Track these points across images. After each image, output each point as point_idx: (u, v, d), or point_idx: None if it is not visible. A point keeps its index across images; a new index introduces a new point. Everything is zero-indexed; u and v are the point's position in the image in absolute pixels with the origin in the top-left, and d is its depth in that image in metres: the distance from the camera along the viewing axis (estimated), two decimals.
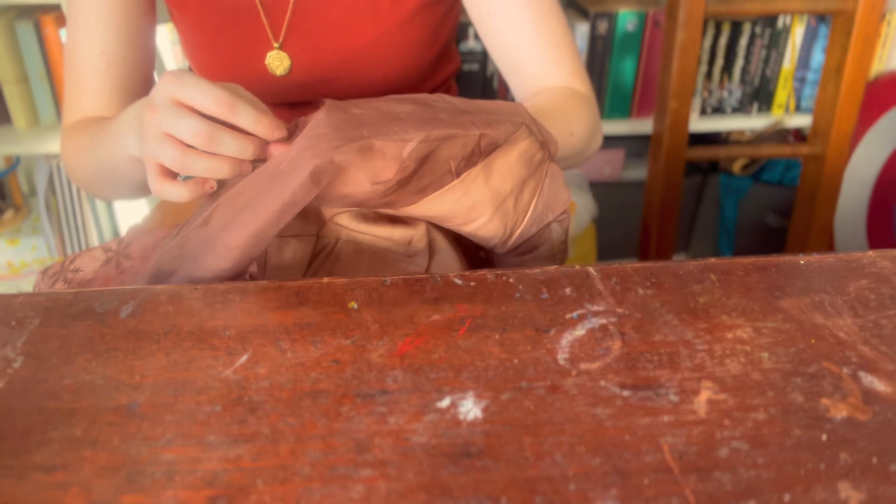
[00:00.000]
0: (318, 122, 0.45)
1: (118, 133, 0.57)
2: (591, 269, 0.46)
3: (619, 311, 0.42)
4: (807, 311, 0.43)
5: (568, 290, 0.44)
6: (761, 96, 1.55)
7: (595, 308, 0.43)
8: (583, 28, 1.45)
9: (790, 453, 0.33)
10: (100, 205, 1.51)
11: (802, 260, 0.48)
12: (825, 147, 1.40)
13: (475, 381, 0.37)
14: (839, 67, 1.35)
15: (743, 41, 1.49)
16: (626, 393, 0.37)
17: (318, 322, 0.42)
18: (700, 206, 1.70)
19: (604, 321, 0.42)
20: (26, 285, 1.51)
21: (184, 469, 0.33)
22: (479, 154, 0.48)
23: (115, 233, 1.54)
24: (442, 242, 0.53)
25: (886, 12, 1.49)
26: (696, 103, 1.54)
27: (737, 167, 1.64)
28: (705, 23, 1.44)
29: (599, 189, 1.58)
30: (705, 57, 1.50)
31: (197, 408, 0.36)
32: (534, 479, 0.32)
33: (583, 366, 0.38)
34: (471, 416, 0.35)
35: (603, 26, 1.44)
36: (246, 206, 0.45)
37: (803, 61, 1.52)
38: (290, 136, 0.48)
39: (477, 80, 1.48)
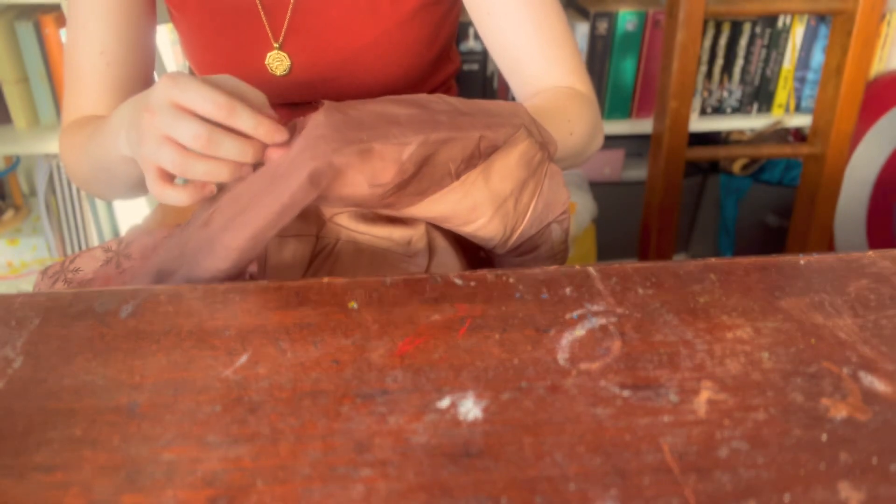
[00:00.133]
0: (316, 123, 0.45)
1: (111, 132, 0.57)
2: (591, 269, 0.46)
3: (619, 311, 0.42)
4: (807, 311, 0.43)
5: (568, 290, 0.44)
6: (761, 96, 1.55)
7: (595, 308, 0.43)
8: (583, 28, 1.45)
9: (790, 453, 0.33)
10: (100, 205, 1.51)
11: (802, 260, 0.48)
12: (825, 147, 1.40)
13: (475, 381, 0.37)
14: (839, 67, 1.35)
15: (743, 41, 1.49)
16: (626, 393, 0.37)
17: (318, 322, 0.42)
18: (700, 206, 1.70)
19: (604, 321, 0.42)
20: (26, 285, 1.51)
21: (184, 469, 0.33)
22: (478, 156, 0.48)
23: (115, 233, 1.54)
24: (442, 242, 0.53)
25: (886, 12, 1.49)
26: (696, 103, 1.54)
27: (737, 167, 1.64)
28: (705, 23, 1.44)
29: (599, 189, 1.58)
30: (705, 57, 1.50)
31: (197, 408, 0.36)
32: (534, 479, 0.32)
33: (583, 366, 0.38)
34: (471, 416, 0.35)
35: (603, 26, 1.44)
36: (245, 208, 0.45)
37: (803, 61, 1.52)
38: (289, 138, 0.47)
39: (477, 80, 1.48)
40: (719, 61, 1.51)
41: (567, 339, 0.40)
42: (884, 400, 0.36)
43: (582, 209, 1.43)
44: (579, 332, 0.41)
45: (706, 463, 0.33)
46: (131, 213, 1.51)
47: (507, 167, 0.49)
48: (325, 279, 0.45)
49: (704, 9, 1.28)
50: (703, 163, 1.69)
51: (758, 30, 1.48)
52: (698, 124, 1.54)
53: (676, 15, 1.29)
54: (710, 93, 1.54)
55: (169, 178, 0.49)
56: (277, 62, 0.69)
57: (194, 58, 0.72)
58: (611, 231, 1.63)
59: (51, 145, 1.40)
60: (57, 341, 0.41)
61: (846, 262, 0.48)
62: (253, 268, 0.52)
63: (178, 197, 0.48)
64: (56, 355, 0.40)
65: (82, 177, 0.68)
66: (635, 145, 1.66)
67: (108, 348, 0.40)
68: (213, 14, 0.68)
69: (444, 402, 0.36)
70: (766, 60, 1.51)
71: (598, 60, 1.47)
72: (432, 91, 0.78)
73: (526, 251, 0.54)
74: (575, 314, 0.42)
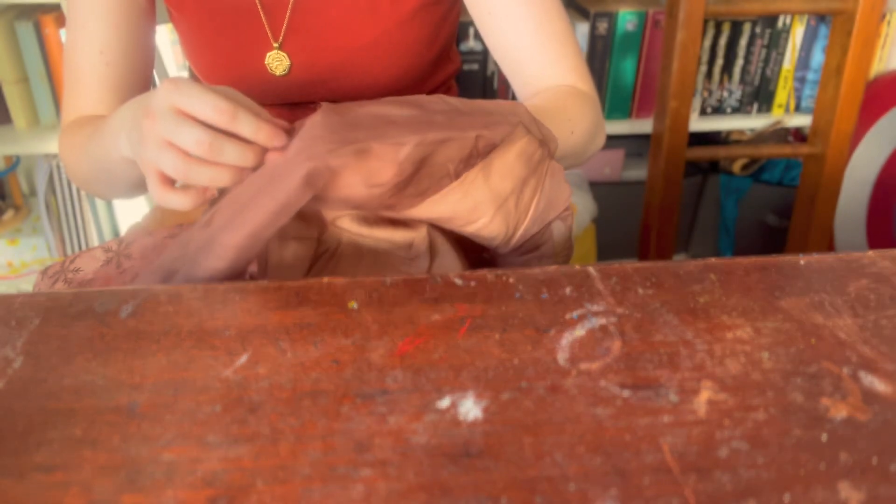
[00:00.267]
0: (313, 124, 0.45)
1: (111, 133, 0.57)
2: (591, 269, 0.46)
3: (619, 311, 0.42)
4: (807, 311, 0.43)
5: (568, 290, 0.44)
6: (761, 96, 1.55)
7: (595, 308, 0.43)
8: (583, 28, 1.45)
9: (790, 453, 0.33)
10: (100, 205, 1.51)
11: (802, 260, 0.48)
12: (825, 147, 1.40)
13: (475, 381, 0.37)
14: (839, 67, 1.35)
15: (743, 41, 1.49)
16: (626, 393, 0.37)
17: (318, 322, 0.42)
18: (700, 206, 1.70)
19: (604, 321, 0.42)
20: (26, 285, 1.51)
21: (184, 469, 0.33)
22: (476, 155, 0.48)
23: (115, 233, 1.54)
24: (443, 244, 0.53)
25: (886, 12, 1.49)
26: (696, 103, 1.54)
27: (737, 167, 1.64)
28: (705, 23, 1.44)
29: (599, 189, 1.58)
30: (705, 57, 1.50)
31: (197, 408, 0.36)
32: (534, 479, 0.32)
33: (583, 366, 0.38)
34: (471, 416, 0.35)
35: (603, 26, 1.44)
36: (243, 207, 0.45)
37: (803, 61, 1.52)
38: (288, 142, 0.48)
39: (477, 80, 1.48)
40: (719, 61, 1.51)
41: (567, 339, 0.40)
42: (884, 400, 0.36)
43: (582, 209, 1.44)
44: (579, 332, 0.41)
45: (706, 463, 0.33)
46: (131, 213, 1.51)
47: (506, 165, 0.49)
48: (325, 279, 0.45)
49: (704, 9, 1.28)
50: (703, 163, 1.69)
51: (758, 30, 1.48)
52: (698, 124, 1.54)
53: (676, 15, 1.29)
54: (710, 93, 1.54)
55: (170, 182, 0.49)
56: (277, 62, 0.69)
57: (194, 58, 0.72)
58: (611, 231, 1.63)
59: (51, 145, 1.40)
60: (57, 341, 0.41)
61: (846, 262, 0.48)
62: (253, 268, 0.52)
63: (179, 201, 0.48)
64: (56, 355, 0.40)
65: (82, 176, 0.68)
66: (635, 145, 1.66)
67: (108, 348, 0.40)
68: (212, 14, 0.68)
69: (444, 402, 0.36)
70: (766, 60, 1.51)
71: (598, 60, 1.47)
72: (432, 91, 0.78)
73: (529, 250, 0.54)
74: (575, 314, 0.42)
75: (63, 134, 0.69)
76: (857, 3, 1.29)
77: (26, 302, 0.44)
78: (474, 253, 0.57)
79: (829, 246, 1.53)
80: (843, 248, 1.59)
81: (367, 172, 0.44)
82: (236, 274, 0.47)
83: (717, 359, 0.39)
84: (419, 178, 0.46)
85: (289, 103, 0.74)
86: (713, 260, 0.47)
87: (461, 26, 1.42)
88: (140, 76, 0.71)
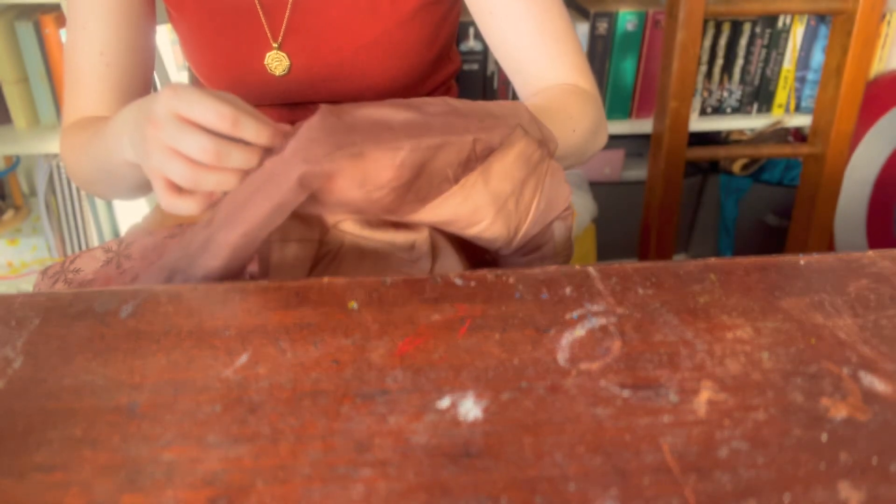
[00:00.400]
0: (311, 126, 0.45)
1: (113, 135, 0.57)
2: (591, 269, 0.46)
3: (619, 311, 0.42)
4: (807, 311, 0.43)
5: (568, 290, 0.44)
6: (761, 96, 1.55)
7: (595, 308, 0.43)
8: (583, 28, 1.45)
9: (790, 453, 0.33)
10: (100, 205, 1.51)
11: (802, 260, 0.48)
12: (825, 147, 1.40)
13: (475, 381, 0.37)
14: (839, 67, 1.35)
15: (743, 41, 1.49)
16: (626, 393, 0.37)
17: (318, 322, 0.42)
18: (700, 206, 1.70)
19: (604, 321, 0.42)
20: (26, 285, 1.51)
21: (184, 469, 0.33)
22: (475, 159, 0.48)
23: (115, 233, 1.54)
24: (445, 246, 0.53)
25: (886, 12, 1.49)
26: (696, 103, 1.54)
27: (737, 167, 1.64)
28: (705, 23, 1.44)
29: (599, 189, 1.58)
30: (705, 57, 1.50)
31: (197, 408, 0.36)
32: (534, 479, 0.32)
33: (583, 366, 0.38)
34: (471, 416, 0.35)
35: (603, 26, 1.44)
36: (240, 206, 0.45)
37: (803, 61, 1.52)
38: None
39: (477, 80, 1.48)
40: (719, 61, 1.51)
41: (567, 339, 0.40)
42: (884, 400, 0.36)
43: (582, 209, 1.43)
44: (579, 332, 0.41)
45: (706, 463, 0.33)
46: (131, 213, 1.51)
47: (505, 168, 0.49)
48: (325, 279, 0.45)
49: (704, 9, 1.28)
50: (703, 163, 1.69)
51: (758, 30, 1.48)
52: (698, 124, 1.54)
53: (676, 15, 1.29)
54: (710, 93, 1.54)
55: (177, 188, 0.49)
56: (277, 62, 0.69)
57: (193, 58, 0.72)
58: (611, 231, 1.63)
59: (51, 145, 1.40)
60: (57, 341, 0.41)
61: (846, 262, 0.48)
62: (253, 268, 0.52)
63: (187, 206, 0.49)
64: (56, 355, 0.40)
65: (84, 177, 0.68)
66: (635, 145, 1.66)
67: (108, 348, 0.40)
68: (211, 14, 0.68)
69: (444, 402, 0.36)
70: (766, 60, 1.51)
71: (598, 60, 1.47)
72: (432, 91, 0.78)
73: (531, 250, 0.55)
74: (575, 314, 0.42)
75: (64, 134, 0.69)
76: (857, 3, 1.29)
77: (26, 302, 0.44)
78: (476, 255, 0.57)
79: (829, 246, 1.53)
80: (843, 248, 1.59)
81: (363, 176, 0.44)
82: (233, 273, 0.47)
83: (717, 359, 0.39)
84: (419, 184, 0.46)
85: (288, 103, 0.74)
86: (713, 260, 0.47)
87: (461, 26, 1.42)
88: (140, 77, 0.71)
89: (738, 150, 1.48)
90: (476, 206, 0.49)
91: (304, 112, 0.74)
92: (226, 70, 0.70)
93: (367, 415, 0.35)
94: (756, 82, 1.53)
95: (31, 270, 1.54)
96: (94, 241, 1.51)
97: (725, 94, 1.54)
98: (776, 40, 1.49)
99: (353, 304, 0.43)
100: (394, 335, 0.41)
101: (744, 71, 1.52)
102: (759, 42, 1.49)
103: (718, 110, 1.56)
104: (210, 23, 0.68)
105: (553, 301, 0.43)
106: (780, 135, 1.59)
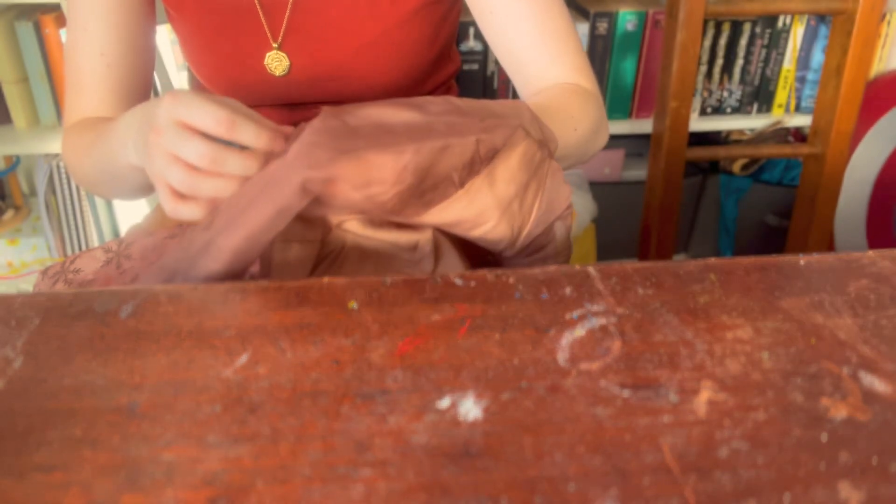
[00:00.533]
0: (313, 129, 0.45)
1: (117, 139, 0.57)
2: (591, 269, 0.46)
3: (619, 311, 0.42)
4: (807, 311, 0.43)
5: (568, 290, 0.44)
6: (761, 96, 1.55)
7: (595, 308, 0.43)
8: (583, 28, 1.45)
9: (790, 453, 0.33)
10: (100, 205, 1.51)
11: (802, 260, 0.48)
12: (825, 147, 1.40)
13: (475, 381, 0.37)
14: (839, 67, 1.35)
15: (743, 41, 1.49)
16: (626, 393, 0.37)
17: (318, 322, 0.42)
18: (700, 206, 1.70)
19: (604, 321, 0.42)
20: (26, 285, 1.51)
21: (184, 469, 0.33)
22: (479, 161, 0.48)
23: (115, 233, 1.54)
24: (448, 248, 0.53)
25: (886, 12, 1.49)
26: (696, 103, 1.54)
27: (737, 167, 1.64)
28: (705, 23, 1.44)
29: (599, 189, 1.58)
30: (705, 57, 1.50)
31: (197, 408, 0.36)
32: (534, 479, 0.32)
33: (583, 366, 0.38)
34: (471, 416, 0.35)
35: (603, 26, 1.44)
36: (241, 210, 0.45)
37: (803, 61, 1.52)
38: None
39: (477, 80, 1.48)
40: (719, 61, 1.51)
41: (567, 339, 0.40)
42: (884, 400, 0.36)
43: (582, 209, 1.43)
44: (579, 332, 0.41)
45: (706, 463, 0.33)
46: (131, 213, 1.51)
47: (509, 170, 0.49)
48: (326, 279, 0.45)
49: (704, 9, 1.28)
50: (703, 163, 1.69)
51: (758, 30, 1.48)
52: (698, 124, 1.54)
53: (676, 15, 1.29)
54: (710, 93, 1.54)
55: (180, 194, 0.49)
56: (276, 62, 0.69)
57: (193, 59, 0.72)
58: (611, 231, 1.63)
59: (51, 145, 1.40)
60: (57, 341, 0.41)
61: (846, 262, 0.48)
62: (255, 268, 0.52)
63: (189, 212, 0.49)
64: (56, 355, 0.40)
65: (87, 178, 0.68)
66: (635, 145, 1.66)
67: (108, 348, 0.40)
68: (211, 14, 0.68)
69: (444, 402, 0.36)
70: (766, 60, 1.51)
71: (598, 60, 1.47)
72: (432, 91, 0.78)
73: (534, 251, 0.55)
74: (575, 314, 0.42)
75: (66, 135, 0.69)
76: (857, 3, 1.29)
77: (26, 302, 0.44)
78: (479, 256, 0.57)
79: (829, 246, 1.53)
80: (843, 248, 1.59)
81: (366, 180, 0.44)
82: (234, 276, 0.47)
83: (717, 359, 0.39)
84: (423, 188, 0.46)
85: (289, 104, 0.74)
86: (713, 260, 0.47)
87: (461, 26, 1.42)
88: (141, 77, 0.71)
89: (738, 150, 1.48)
90: (481, 209, 0.49)
91: (304, 112, 0.74)
92: (226, 70, 0.70)
93: (367, 415, 0.35)
94: (756, 82, 1.53)
95: (31, 270, 1.54)
96: (94, 241, 1.51)
97: (725, 94, 1.54)
98: (776, 40, 1.49)
99: (353, 304, 0.43)
100: (394, 335, 0.41)
101: (744, 71, 1.52)
102: (759, 42, 1.49)
103: (718, 110, 1.56)
104: (210, 23, 0.68)
105: (553, 301, 0.43)
106: (780, 135, 1.59)
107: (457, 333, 0.41)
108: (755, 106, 1.56)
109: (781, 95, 1.55)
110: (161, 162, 0.48)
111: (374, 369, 0.38)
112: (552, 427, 0.35)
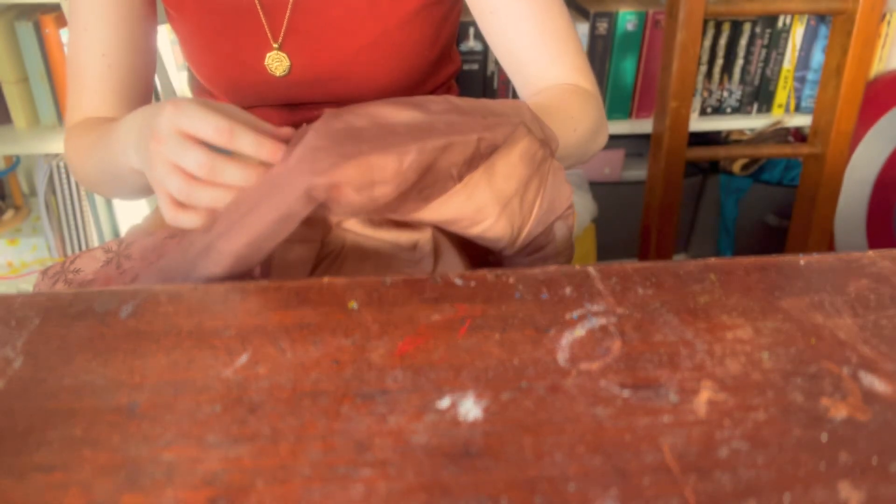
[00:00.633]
0: (316, 132, 0.45)
1: (119, 142, 0.57)
2: (591, 269, 0.46)
3: (619, 311, 0.42)
4: (807, 311, 0.43)
5: (568, 290, 0.44)
6: (761, 96, 1.55)
7: (595, 308, 0.43)
8: (583, 28, 1.45)
9: (790, 453, 0.33)
10: (100, 205, 1.51)
11: (802, 260, 0.48)
12: (825, 147, 1.40)
13: (475, 381, 0.37)
14: (839, 67, 1.35)
15: (743, 41, 1.49)
16: (626, 393, 0.37)
17: (318, 322, 0.42)
18: (700, 206, 1.70)
19: (604, 321, 0.42)
20: (26, 285, 1.51)
21: (184, 469, 0.33)
22: (479, 158, 0.48)
23: (115, 233, 1.54)
24: (447, 247, 0.53)
25: (886, 12, 1.49)
26: (696, 103, 1.54)
27: (737, 167, 1.64)
28: (705, 23, 1.44)
29: (599, 189, 1.58)
30: (705, 57, 1.50)
31: (197, 408, 0.36)
32: (534, 479, 0.32)
33: (583, 366, 0.38)
34: (471, 416, 0.35)
35: (603, 26, 1.44)
36: (244, 215, 0.45)
37: (803, 61, 1.52)
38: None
39: (477, 80, 1.48)
40: (719, 61, 1.51)
41: (567, 339, 0.40)
42: (884, 400, 0.36)
43: (582, 209, 1.43)
44: (579, 332, 0.41)
45: (706, 463, 0.33)
46: (131, 213, 1.51)
47: (509, 165, 0.49)
48: (326, 279, 0.45)
49: (704, 9, 1.28)
50: (703, 163, 1.69)
51: (758, 30, 1.48)
52: (698, 124, 1.54)
53: (676, 15, 1.29)
54: (710, 93, 1.54)
55: (180, 202, 0.50)
56: (277, 62, 0.69)
57: (193, 59, 0.72)
58: (611, 231, 1.63)
59: (51, 145, 1.40)
60: (57, 341, 0.41)
61: (846, 262, 0.48)
62: (256, 269, 0.52)
63: (189, 220, 0.49)
64: (56, 355, 0.40)
65: (88, 178, 0.68)
66: (635, 145, 1.66)
67: (108, 348, 0.40)
68: (211, 14, 0.68)
69: (444, 402, 0.36)
70: (766, 60, 1.51)
71: (598, 60, 1.47)
72: (433, 91, 0.78)
73: (534, 250, 0.55)
74: (575, 314, 0.42)
75: (68, 135, 0.69)
76: (857, 3, 1.29)
77: (26, 302, 0.44)
78: (480, 256, 0.57)
79: (829, 246, 1.53)
80: (843, 248, 1.59)
81: (369, 183, 0.44)
82: (235, 279, 0.47)
83: (717, 359, 0.39)
84: (422, 184, 0.46)
85: (289, 104, 0.74)
86: (713, 260, 0.47)
87: (461, 26, 1.42)
88: (142, 78, 0.71)
89: (738, 150, 1.48)
90: (480, 205, 0.49)
91: (304, 113, 0.74)
92: (226, 71, 0.70)
93: (367, 415, 0.35)
94: (756, 82, 1.53)
95: (31, 270, 1.54)
96: (94, 241, 1.51)
97: (725, 94, 1.54)
98: (776, 40, 1.49)
99: (353, 304, 0.43)
100: (394, 335, 0.41)
101: (744, 71, 1.52)
102: (759, 42, 1.49)
103: (718, 110, 1.56)
104: (210, 23, 0.68)
105: (553, 301, 0.43)
106: (780, 135, 1.59)
107: (457, 333, 0.41)
108: (755, 106, 1.56)
109: (781, 95, 1.55)
110: (161, 170, 0.48)
111: (374, 369, 0.38)
112: (552, 427, 0.35)
